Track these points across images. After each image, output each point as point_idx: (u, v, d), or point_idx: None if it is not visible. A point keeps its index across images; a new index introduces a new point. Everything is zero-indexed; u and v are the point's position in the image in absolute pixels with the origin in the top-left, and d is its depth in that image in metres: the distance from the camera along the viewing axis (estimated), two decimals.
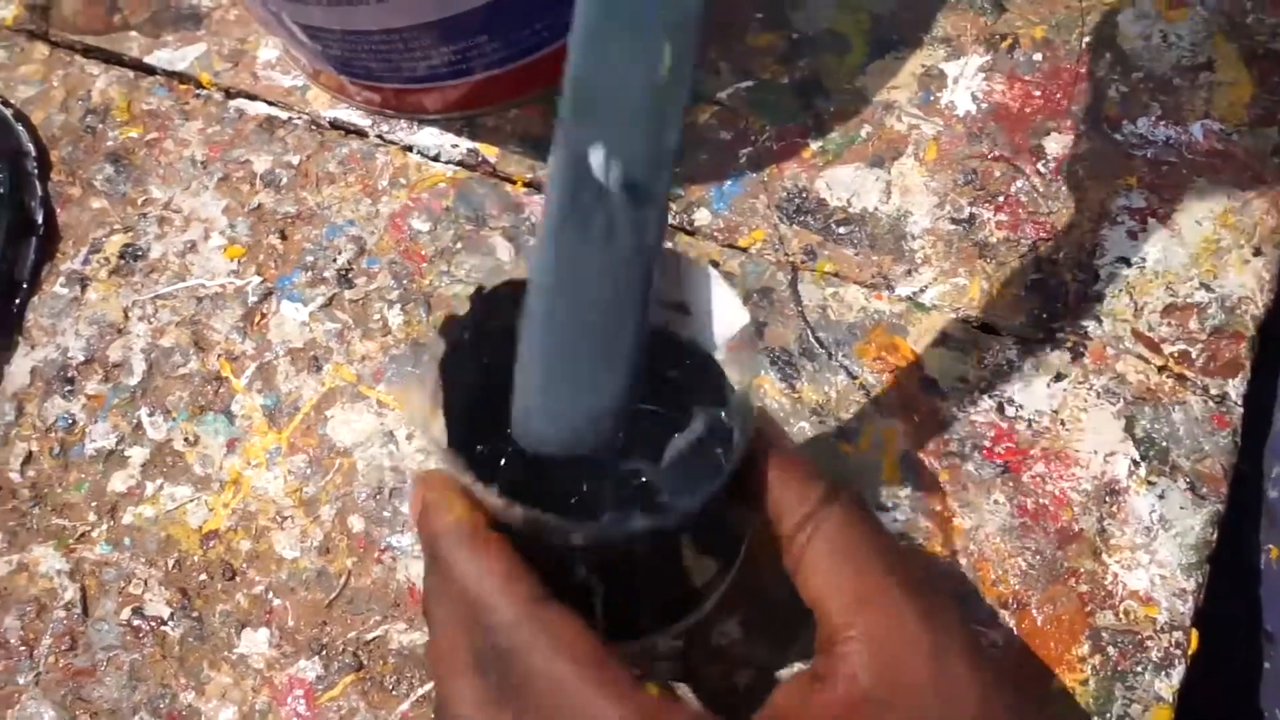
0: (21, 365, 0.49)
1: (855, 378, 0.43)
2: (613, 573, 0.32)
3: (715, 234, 0.47)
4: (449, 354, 0.32)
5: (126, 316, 0.49)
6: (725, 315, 0.30)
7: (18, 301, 0.50)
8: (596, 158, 0.27)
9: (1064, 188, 0.45)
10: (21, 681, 0.44)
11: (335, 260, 0.49)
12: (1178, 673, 0.38)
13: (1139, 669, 0.38)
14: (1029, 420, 0.42)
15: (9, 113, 0.53)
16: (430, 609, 0.30)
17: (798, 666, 0.40)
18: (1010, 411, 0.42)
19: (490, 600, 0.27)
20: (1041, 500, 0.40)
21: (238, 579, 0.44)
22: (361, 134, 0.52)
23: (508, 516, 0.28)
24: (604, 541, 0.30)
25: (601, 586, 0.31)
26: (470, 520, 0.29)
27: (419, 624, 0.42)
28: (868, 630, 0.27)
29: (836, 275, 0.45)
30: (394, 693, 0.42)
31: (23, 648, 0.44)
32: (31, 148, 0.53)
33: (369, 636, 0.43)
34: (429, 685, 0.42)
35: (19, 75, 0.55)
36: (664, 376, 0.33)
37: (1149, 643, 0.38)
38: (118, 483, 0.46)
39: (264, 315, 0.48)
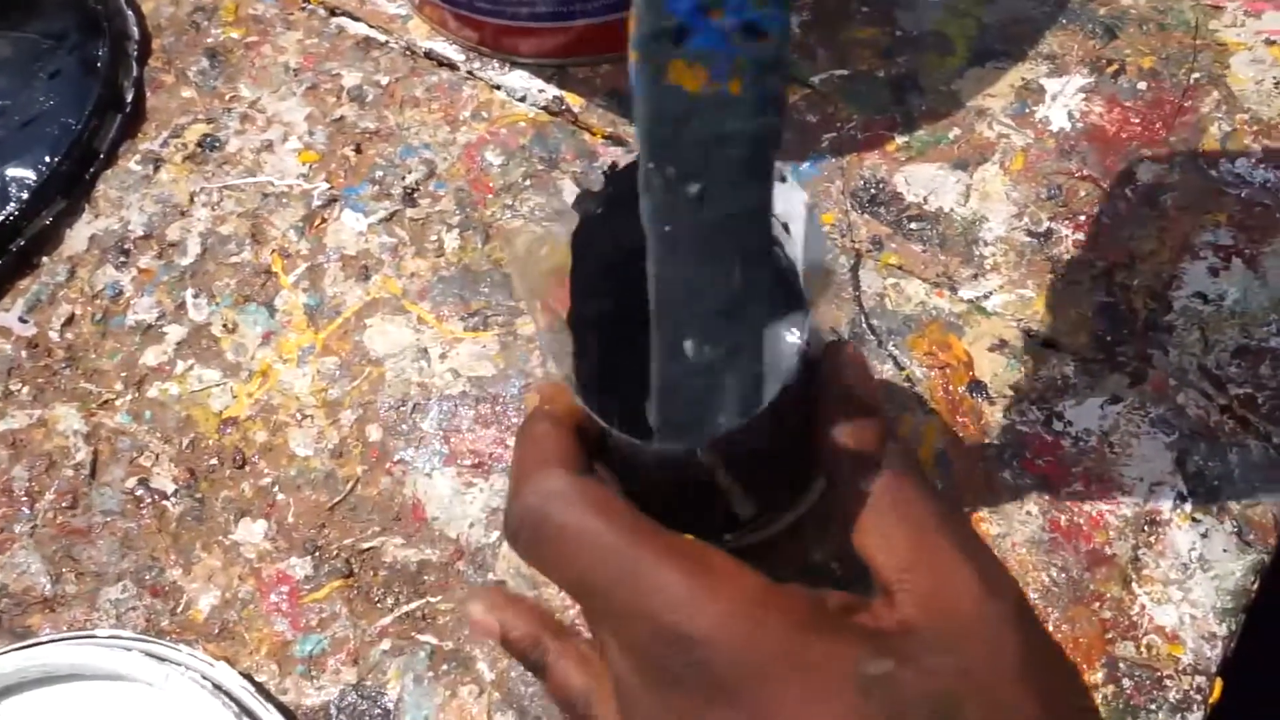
0: (82, 232, 0.50)
1: (903, 369, 0.42)
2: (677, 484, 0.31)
3: None
4: (581, 226, 0.32)
5: (192, 200, 0.50)
6: (812, 246, 0.30)
7: (91, 170, 0.50)
8: None
9: (1149, 215, 0.44)
10: (17, 530, 0.43)
11: (404, 179, 0.49)
12: (1195, 719, 0.35)
13: (1153, 707, 0.35)
14: (1076, 438, 0.40)
15: None
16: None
17: None
18: (1058, 426, 0.40)
19: (536, 471, 0.28)
20: (1076, 519, 0.38)
21: (247, 468, 0.44)
22: (453, 67, 0.52)
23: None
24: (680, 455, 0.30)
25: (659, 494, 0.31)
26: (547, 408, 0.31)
27: (417, 541, 0.42)
28: (918, 585, 0.26)
29: (900, 268, 0.44)
30: (378, 605, 0.41)
31: (25, 498, 0.44)
32: (136, 31, 0.54)
33: (365, 546, 0.42)
34: (413, 604, 0.41)
35: None
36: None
37: (1168, 682, 0.36)
38: (150, 357, 0.46)
39: (324, 220, 0.48)
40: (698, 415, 0.30)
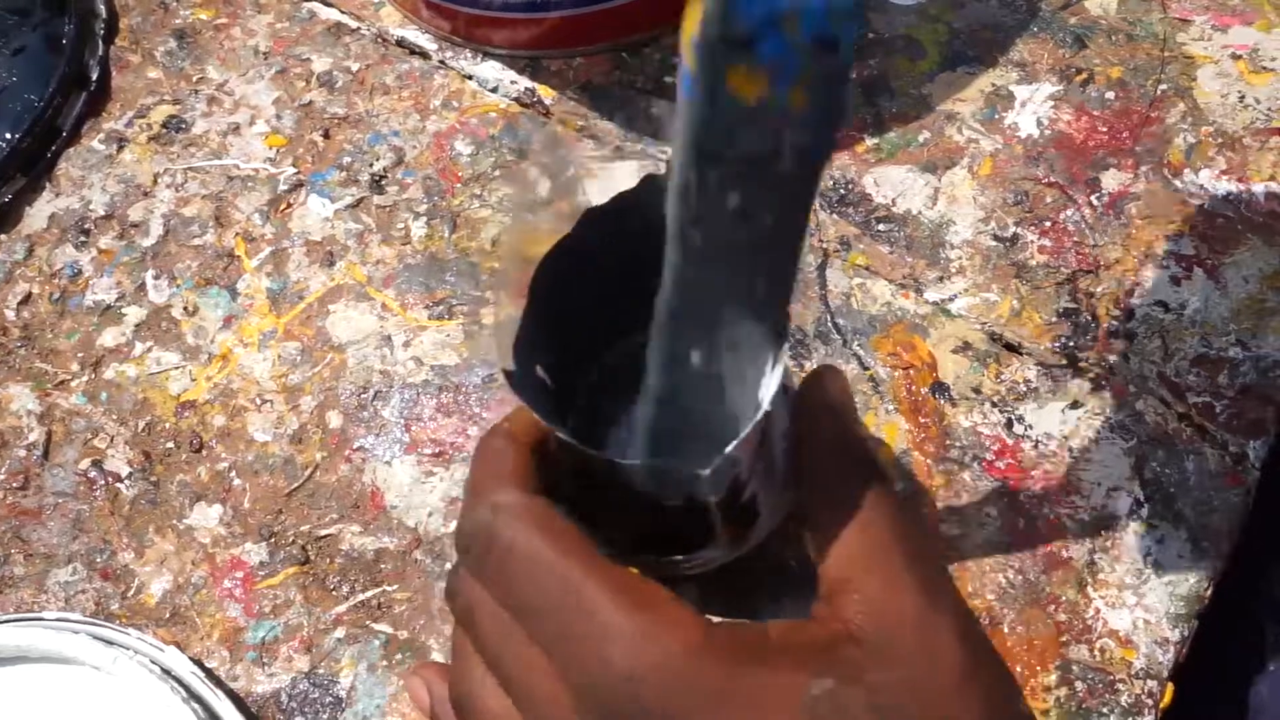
0: (42, 210, 0.49)
1: (867, 369, 0.42)
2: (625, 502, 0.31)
3: None
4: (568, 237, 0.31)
5: (155, 182, 0.49)
6: None
7: (53, 148, 0.50)
8: None
9: (1114, 223, 0.44)
10: None
11: (372, 165, 0.48)
12: None
13: (1105, 710, 0.36)
14: (1037, 441, 0.40)
15: None
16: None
17: None
18: (1019, 429, 0.40)
19: (489, 489, 0.28)
20: (1035, 522, 0.39)
21: (204, 452, 0.43)
22: (425, 55, 0.52)
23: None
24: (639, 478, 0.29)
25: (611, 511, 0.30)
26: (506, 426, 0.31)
27: (374, 530, 0.41)
28: (865, 587, 0.26)
29: (867, 268, 0.44)
30: (334, 593, 0.40)
31: None
32: (103, 9, 0.53)
33: (322, 533, 0.41)
34: (369, 592, 0.40)
35: None
36: None
37: (1120, 685, 0.36)
38: (108, 338, 0.46)
39: (290, 205, 0.48)
40: (692, 430, 0.30)
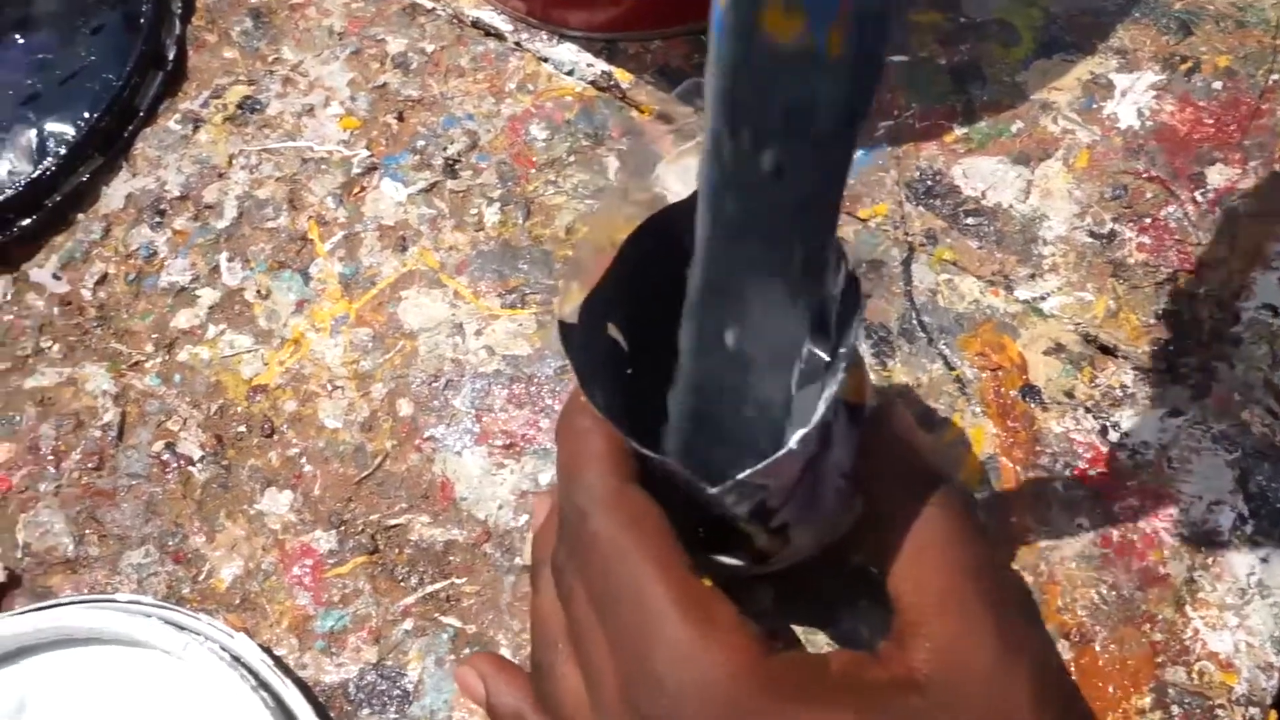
0: (119, 190, 0.49)
1: (953, 369, 0.40)
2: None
3: None
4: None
5: (230, 163, 0.49)
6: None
7: (130, 128, 0.50)
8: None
9: (1220, 221, 0.42)
10: (42, 489, 0.43)
11: (445, 149, 0.48)
12: None
13: None
14: (1133, 450, 0.38)
15: None
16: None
17: (825, 650, 0.37)
18: (1114, 437, 0.39)
19: (584, 471, 0.28)
20: (1130, 535, 0.37)
21: (275, 437, 0.43)
22: (500, 37, 0.51)
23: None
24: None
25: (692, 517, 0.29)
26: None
27: (443, 521, 0.41)
28: (936, 632, 0.26)
29: (954, 264, 0.43)
30: (402, 584, 0.40)
31: (51, 457, 0.43)
32: None
33: (391, 522, 0.41)
34: (438, 584, 0.40)
35: None
36: None
37: (1220, 712, 0.34)
38: (182, 319, 0.46)
39: (363, 188, 0.47)
40: (720, 430, 0.29)
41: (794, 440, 0.26)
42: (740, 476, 0.27)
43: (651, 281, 0.30)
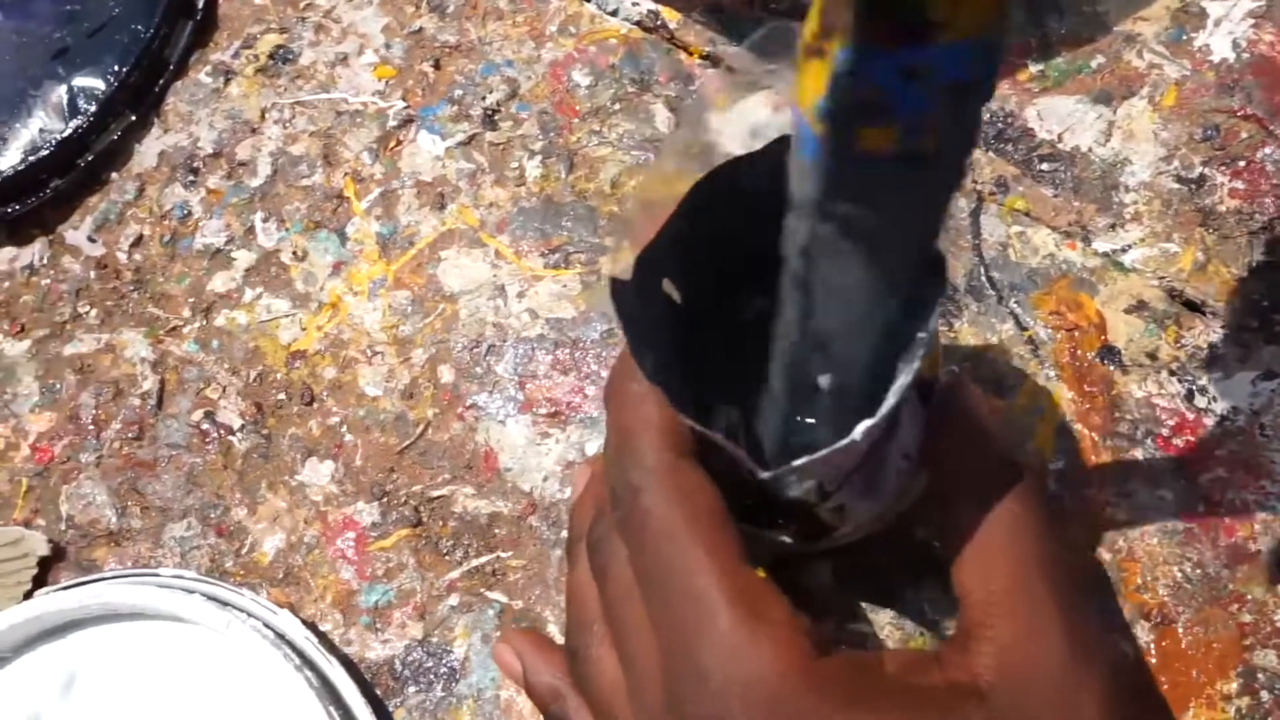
0: (152, 147, 0.47)
1: (1025, 329, 0.38)
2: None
3: None
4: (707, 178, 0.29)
5: (263, 117, 0.47)
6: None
7: (161, 82, 0.48)
8: None
9: None
10: (84, 460, 0.42)
11: (484, 99, 0.45)
12: None
13: None
14: (1222, 416, 0.35)
15: None
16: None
17: (887, 630, 0.35)
18: (1201, 402, 0.36)
19: (637, 442, 0.27)
20: (1217, 509, 0.34)
21: (315, 405, 0.42)
22: None
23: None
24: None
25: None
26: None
27: (488, 491, 0.39)
28: (1003, 635, 0.24)
29: (1027, 214, 0.40)
30: (446, 557, 0.39)
31: (92, 427, 0.43)
32: None
33: (434, 494, 0.40)
34: (483, 558, 0.38)
35: None
36: None
37: None
38: (218, 283, 0.44)
39: (399, 142, 0.45)
40: (813, 432, 0.27)
41: (858, 431, 0.24)
42: (796, 464, 0.25)
43: (708, 236, 0.28)
